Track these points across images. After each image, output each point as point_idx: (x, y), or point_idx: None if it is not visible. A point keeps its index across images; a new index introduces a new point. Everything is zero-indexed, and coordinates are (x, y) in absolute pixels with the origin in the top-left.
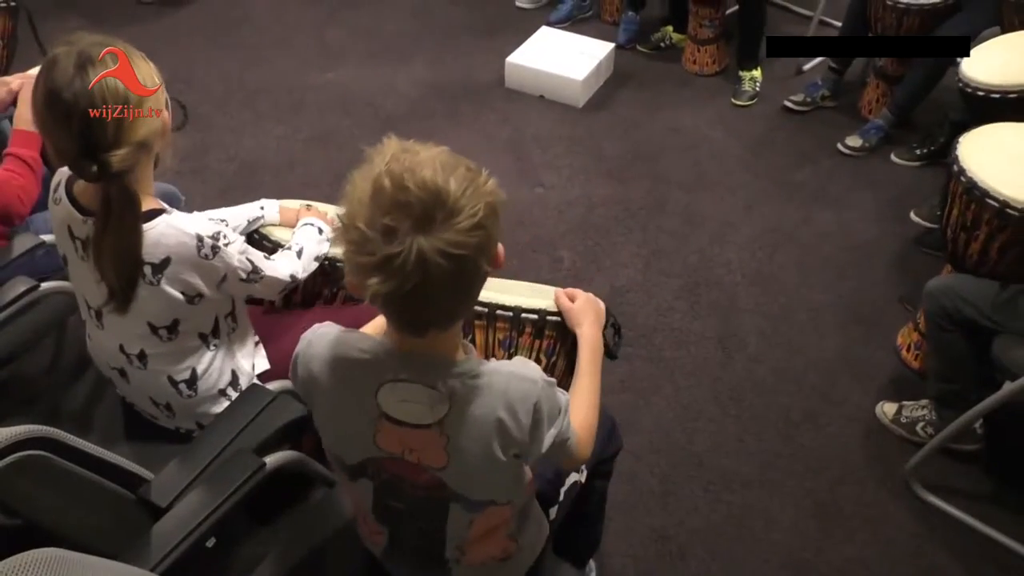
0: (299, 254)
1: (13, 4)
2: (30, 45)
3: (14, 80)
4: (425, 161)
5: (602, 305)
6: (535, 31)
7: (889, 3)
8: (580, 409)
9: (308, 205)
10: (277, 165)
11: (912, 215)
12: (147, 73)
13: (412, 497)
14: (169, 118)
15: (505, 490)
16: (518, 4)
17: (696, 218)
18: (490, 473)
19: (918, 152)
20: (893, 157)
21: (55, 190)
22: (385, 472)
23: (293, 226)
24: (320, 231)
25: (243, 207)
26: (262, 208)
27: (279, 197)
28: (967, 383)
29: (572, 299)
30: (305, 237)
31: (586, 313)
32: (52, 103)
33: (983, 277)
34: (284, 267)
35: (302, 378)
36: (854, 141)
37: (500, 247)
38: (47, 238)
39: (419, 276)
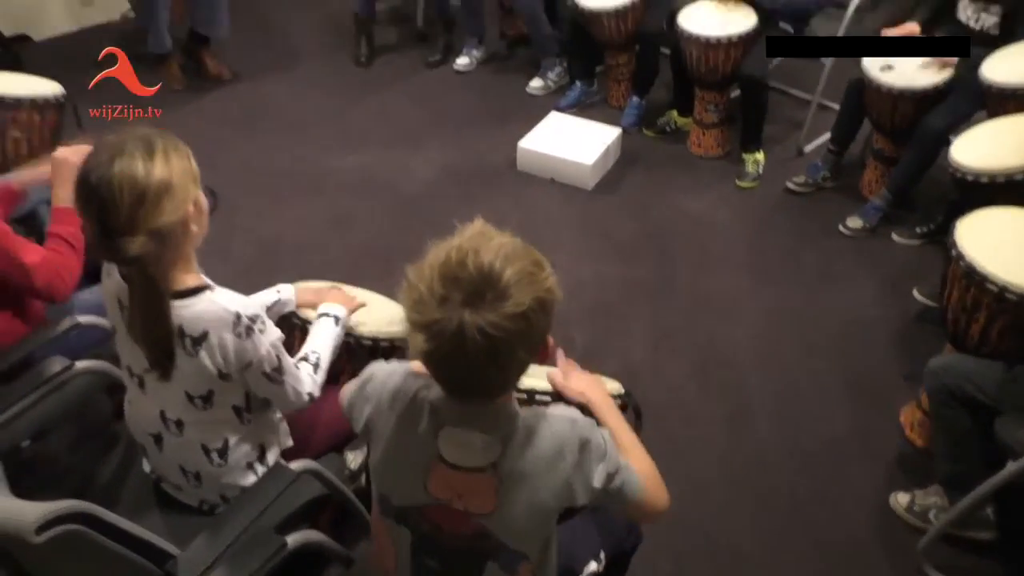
0: (316, 366)
1: (63, 100)
2: (73, 135)
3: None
4: (493, 247)
5: (603, 388)
6: (545, 116)
7: (884, 90)
8: (637, 458)
9: (335, 286)
10: (297, 247)
11: (915, 293)
12: (183, 167)
13: (450, 550)
14: (205, 205)
15: (540, 543)
16: (529, 90)
17: (704, 298)
18: (534, 517)
19: (918, 231)
20: (894, 236)
21: (108, 263)
22: (426, 523)
23: (310, 307)
24: (337, 320)
25: (260, 294)
26: (278, 291)
27: (299, 278)
28: (974, 463)
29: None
30: (322, 340)
31: (579, 382)
32: (80, 185)
33: (985, 358)
34: (306, 383)
35: (368, 414)
36: (855, 222)
37: (550, 340)
38: (82, 319)
39: (454, 345)
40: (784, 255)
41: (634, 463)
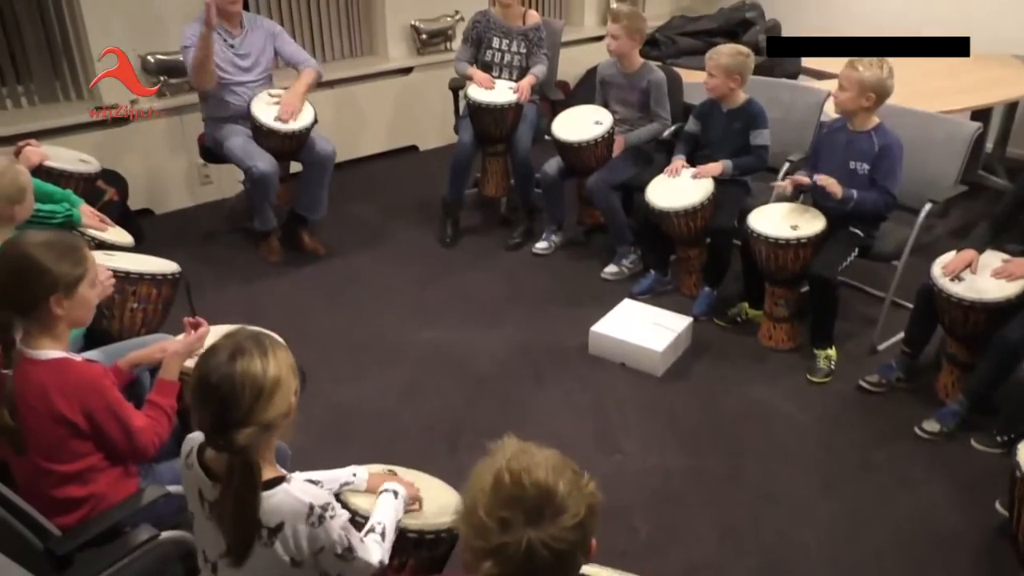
0: (383, 535)
1: (177, 277)
2: (183, 308)
3: (171, 345)
4: (540, 463)
5: None
6: (618, 302)
7: (954, 300)
8: None
9: (391, 471)
10: (371, 416)
11: (997, 505)
12: (288, 363)
13: None
14: (296, 401)
15: None
16: (603, 276)
17: (771, 493)
18: None
19: (999, 439)
20: (973, 443)
21: (187, 456)
22: None
23: (375, 492)
24: (396, 494)
25: (337, 472)
26: (354, 475)
27: (370, 447)
28: None
29: None
30: (385, 512)
31: None
32: (200, 383)
33: None
34: (375, 553)
35: None
36: (931, 426)
37: (593, 541)
38: (172, 488)
39: (523, 565)
40: (856, 454)
41: None
